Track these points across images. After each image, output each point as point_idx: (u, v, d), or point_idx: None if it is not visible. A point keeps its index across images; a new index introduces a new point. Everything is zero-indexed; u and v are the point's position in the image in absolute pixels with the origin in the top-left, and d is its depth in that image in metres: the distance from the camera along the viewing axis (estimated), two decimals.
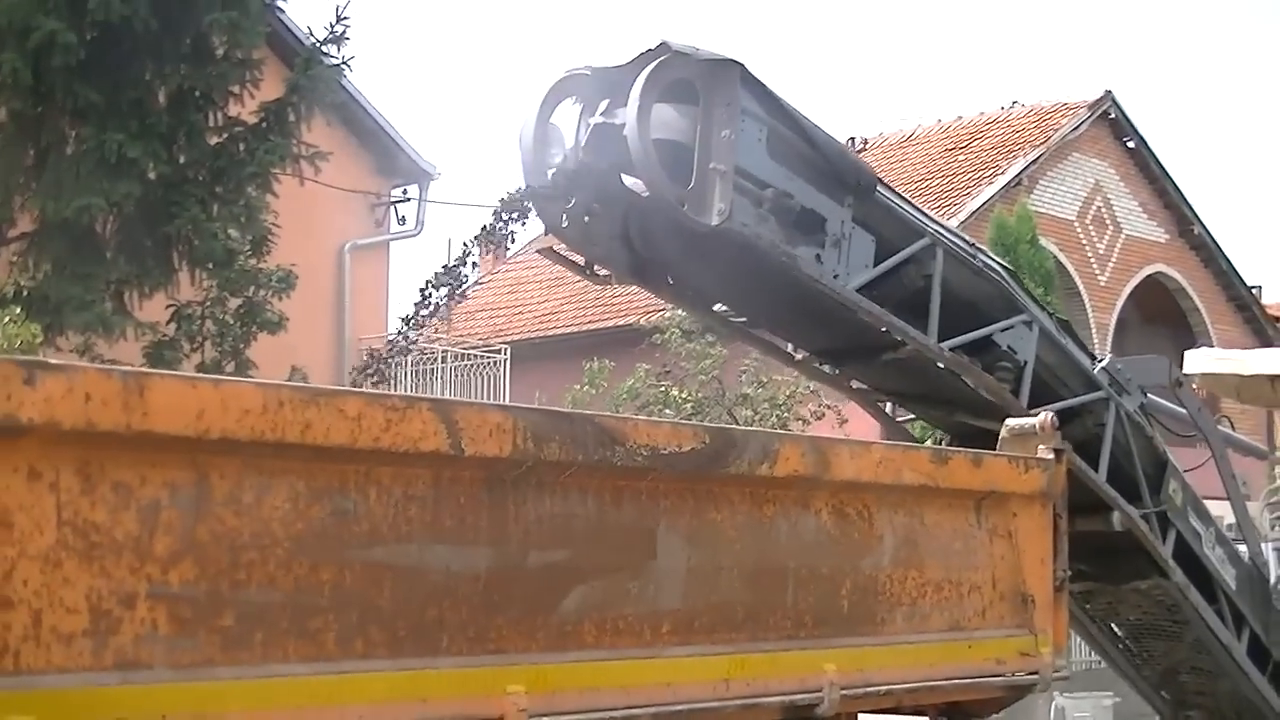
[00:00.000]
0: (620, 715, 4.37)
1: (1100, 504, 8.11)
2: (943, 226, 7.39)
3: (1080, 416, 7.94)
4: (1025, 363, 7.51)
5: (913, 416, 8.39)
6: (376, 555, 3.86)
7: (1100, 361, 8.23)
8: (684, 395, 22.81)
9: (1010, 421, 6.31)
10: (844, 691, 5.03)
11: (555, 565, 4.27)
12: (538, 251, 7.48)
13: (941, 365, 7.25)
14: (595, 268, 7.19)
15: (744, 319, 7.62)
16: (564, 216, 6.52)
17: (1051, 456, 6.11)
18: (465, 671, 4.02)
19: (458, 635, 4.01)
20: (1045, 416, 6.28)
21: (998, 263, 7.69)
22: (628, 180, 6.64)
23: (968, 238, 7.72)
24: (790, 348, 7.91)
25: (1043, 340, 7.67)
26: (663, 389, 23.07)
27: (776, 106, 6.48)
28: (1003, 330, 7.45)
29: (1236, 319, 35.96)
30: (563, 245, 7.03)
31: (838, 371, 8.06)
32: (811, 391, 22.80)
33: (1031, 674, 5.90)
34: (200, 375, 4.21)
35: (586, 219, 6.58)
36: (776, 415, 22.28)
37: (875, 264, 6.83)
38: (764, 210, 6.32)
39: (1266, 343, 35.18)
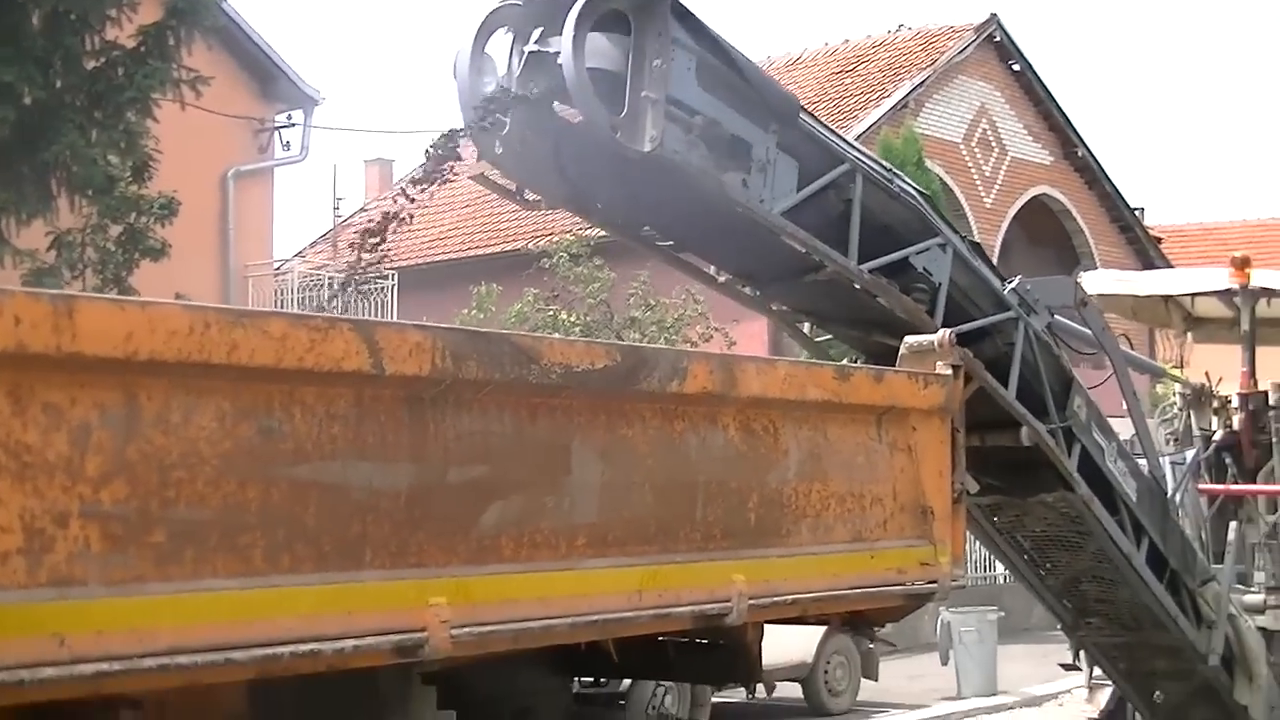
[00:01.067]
0: (538, 626, 4.54)
1: (1009, 420, 8.42)
2: (862, 152, 7.60)
3: (991, 336, 8.23)
4: (940, 284, 7.77)
5: (830, 336, 8.63)
6: (301, 473, 3.98)
7: (1010, 283, 8.50)
8: (572, 319, 22.99)
9: (909, 339, 6.54)
10: (752, 601, 5.21)
11: (474, 481, 4.41)
12: (469, 178, 7.57)
13: (860, 287, 7.48)
14: (526, 193, 7.33)
15: (670, 243, 7.80)
16: (497, 144, 6.65)
17: (949, 373, 6.34)
18: (389, 585, 4.15)
19: (381, 550, 4.14)
20: (944, 334, 6.51)
21: (913, 187, 7.91)
22: (560, 108, 6.79)
23: (886, 164, 7.93)
24: (714, 270, 8.12)
25: (956, 262, 7.93)
26: (551, 313, 23.24)
27: (705, 36, 6.64)
28: (918, 253, 7.70)
29: (1119, 240, 36.69)
30: (495, 172, 7.16)
31: (759, 293, 8.27)
32: (700, 314, 23.08)
33: (931, 583, 6.12)
34: (128, 298, 4.28)
35: (520, 146, 6.71)
36: (665, 338, 22.54)
37: (799, 189, 7.02)
38: (693, 137, 6.49)
39: (1149, 263, 35.93)
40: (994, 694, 17.75)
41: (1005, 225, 32.57)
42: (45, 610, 3.50)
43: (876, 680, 16.74)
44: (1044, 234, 33.98)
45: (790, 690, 16.62)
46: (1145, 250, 37.15)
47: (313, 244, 33.30)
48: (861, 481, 5.82)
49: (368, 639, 4.07)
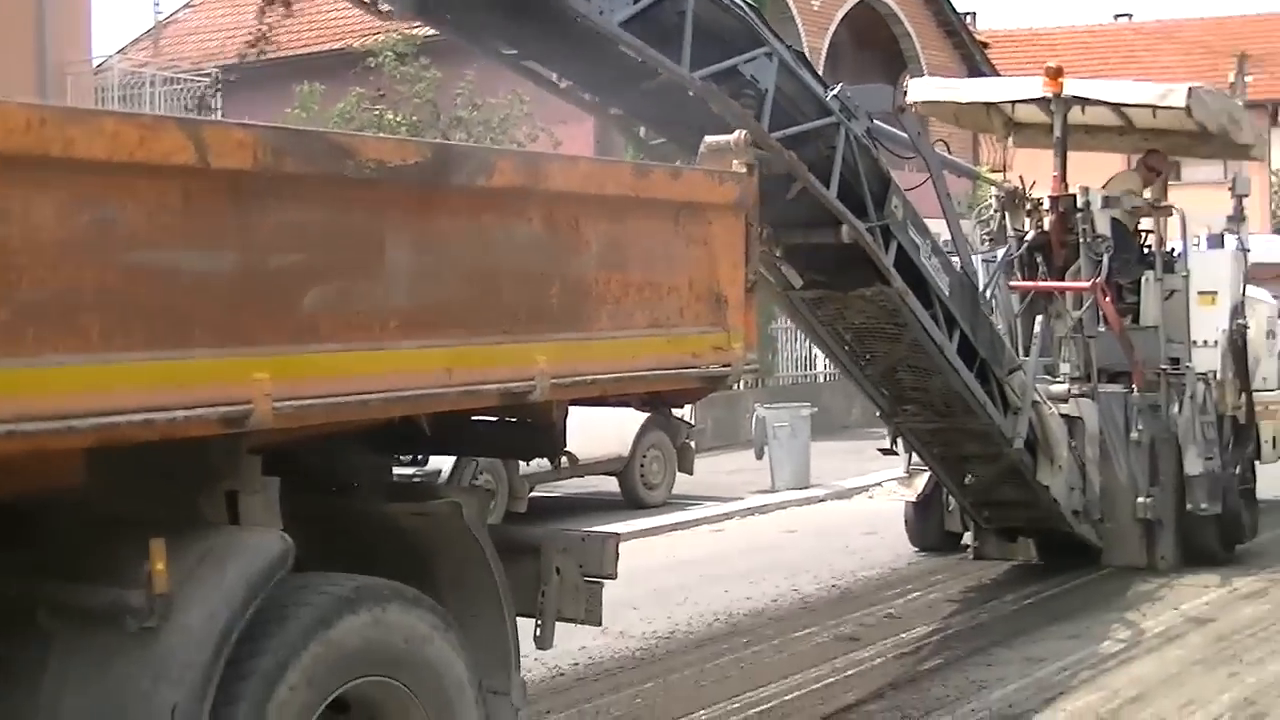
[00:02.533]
0: (354, 400, 5.00)
1: (831, 219, 9.11)
2: None
3: (814, 140, 8.85)
4: (766, 91, 8.36)
5: (664, 140, 9.16)
6: (135, 259, 4.37)
7: (831, 90, 9.08)
8: (398, 119, 23.14)
9: (708, 139, 7.03)
10: (554, 380, 5.69)
11: (295, 268, 4.83)
12: None
13: (692, 93, 7.99)
14: (379, 3, 7.71)
15: (515, 52, 8.24)
16: None
17: (745, 170, 6.80)
18: (216, 361, 4.56)
19: (209, 329, 4.55)
20: (739, 134, 7.01)
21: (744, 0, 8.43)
22: None
23: None
24: (556, 78, 8.59)
25: (781, 71, 8.49)
26: (376, 113, 23.35)
27: None
28: (746, 61, 8.26)
29: (946, 45, 37.34)
30: None
31: (598, 99, 8.77)
32: (526, 115, 23.36)
33: (725, 366, 6.63)
34: None
35: None
36: (491, 138, 22.80)
37: (635, 1, 7.47)
38: None
39: (975, 68, 36.71)
40: (806, 487, 18.36)
41: (832, 29, 33.03)
42: None
43: (692, 474, 17.12)
44: (871, 38, 34.51)
45: (607, 484, 17.23)
46: (971, 55, 37.89)
47: (134, 41, 32.84)
48: (660, 272, 6.28)
49: (198, 410, 4.49)
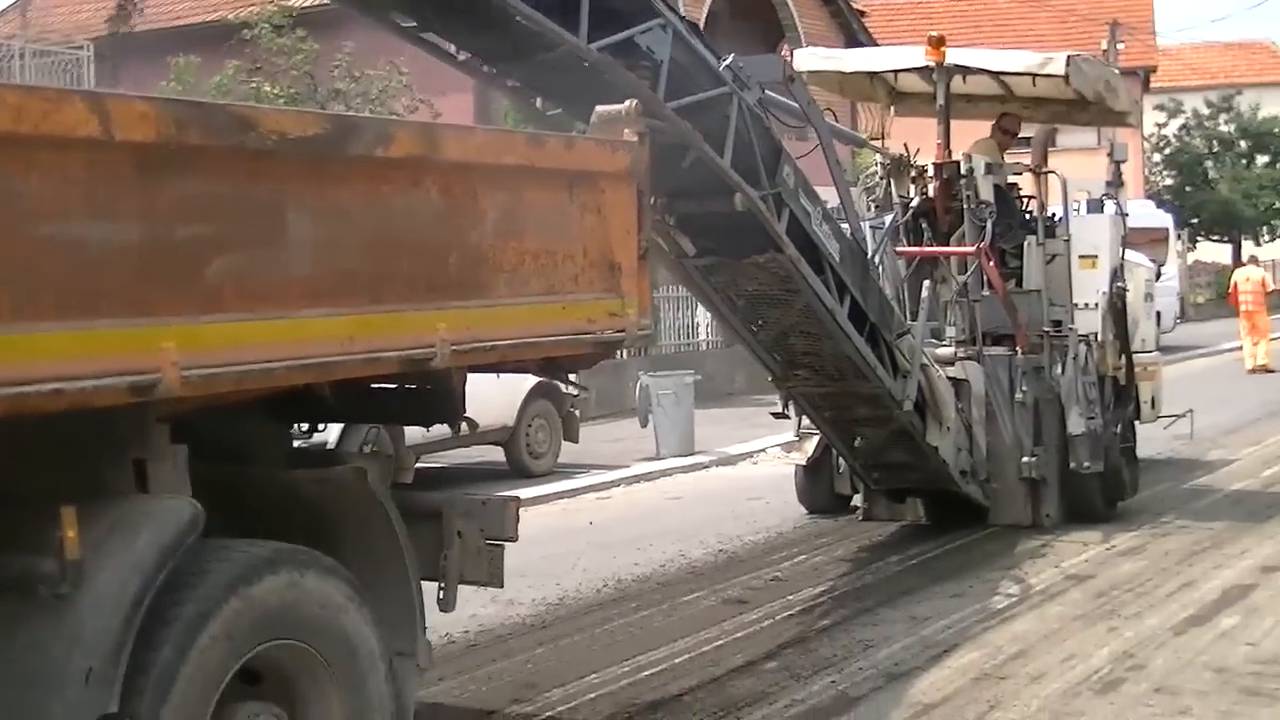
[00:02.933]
0: (259, 368, 5.11)
1: (725, 187, 9.30)
2: None
3: (708, 109, 9.00)
4: (662, 62, 8.52)
5: (560, 111, 9.29)
6: (42, 232, 4.45)
7: (724, 60, 9.27)
8: (276, 91, 23.04)
9: (600, 108, 7.19)
10: (454, 347, 5.83)
11: (199, 239, 4.92)
12: None
13: (589, 64, 8.14)
14: None
15: (414, 24, 8.33)
16: None
17: (636, 139, 6.98)
18: (125, 331, 4.65)
19: (116, 300, 4.64)
20: (630, 103, 7.17)
21: None
22: None
23: None
24: (454, 50, 8.71)
25: (676, 42, 8.66)
26: (254, 85, 23.24)
27: None
28: (642, 33, 8.41)
29: (824, 13, 37.71)
30: None
31: (496, 71, 8.89)
32: (405, 86, 23.36)
33: (619, 332, 6.80)
34: None
35: None
36: (370, 110, 22.77)
37: None
38: None
39: (853, 36, 37.11)
40: (691, 454, 18.49)
41: None
42: None
43: (577, 442, 17.26)
44: (749, 7, 34.70)
45: (494, 454, 17.31)
46: (849, 24, 38.27)
47: (1, 12, 32.39)
48: (555, 240, 6.44)
49: (106, 379, 4.58)
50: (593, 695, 8.47)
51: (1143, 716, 7.92)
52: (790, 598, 10.84)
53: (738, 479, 17.48)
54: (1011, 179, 14.11)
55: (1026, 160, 14.36)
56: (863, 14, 40.97)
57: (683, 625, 10.07)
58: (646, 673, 8.90)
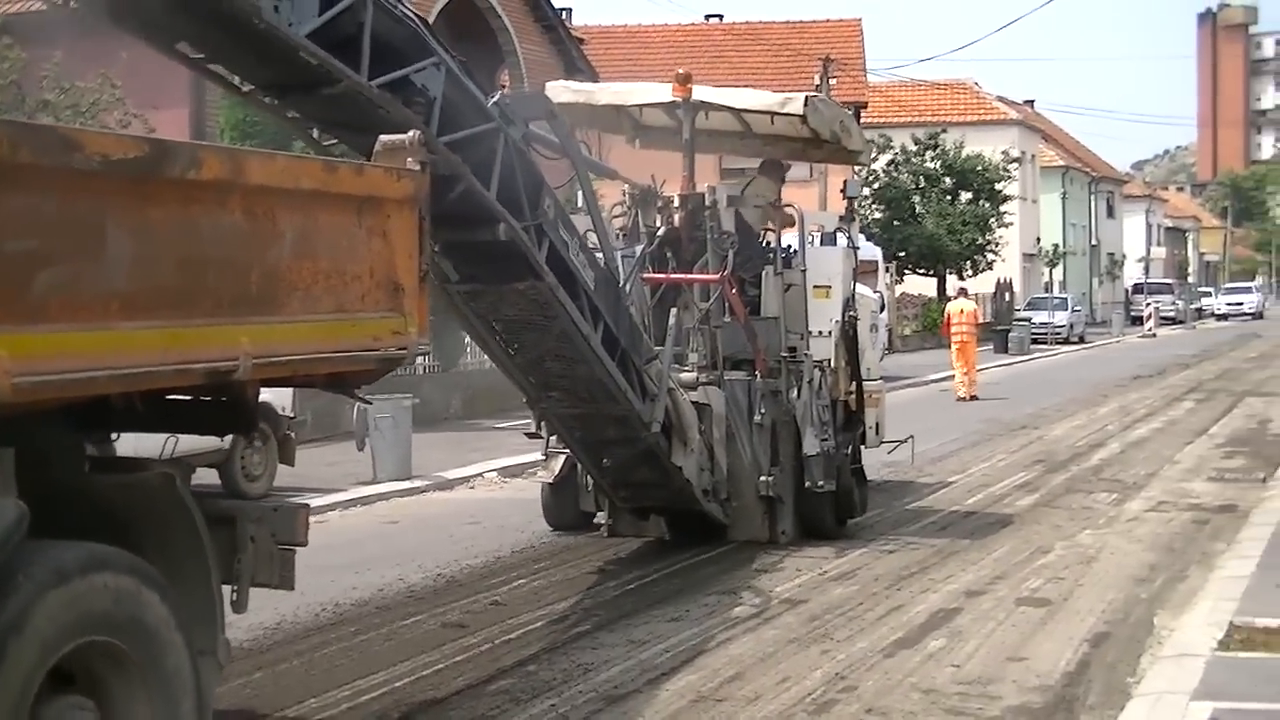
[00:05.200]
0: (83, 376, 5.56)
1: (490, 217, 9.97)
2: None
3: (476, 144, 9.63)
4: (435, 99, 9.14)
5: (336, 141, 9.81)
6: None
7: (492, 97, 9.94)
8: None
9: (383, 137, 7.75)
10: (255, 360, 6.34)
11: (27, 253, 5.35)
12: None
13: (368, 99, 8.71)
14: (70, 2, 8.16)
15: (201, 55, 8.76)
16: None
17: (418, 168, 7.57)
18: None
19: None
20: (413, 134, 7.76)
21: (414, 13, 9.19)
22: None
23: None
24: (239, 82, 9.19)
25: (449, 80, 9.32)
26: None
27: None
28: (417, 71, 9.01)
29: (544, 39, 38.47)
30: None
31: (278, 103, 9.37)
32: (118, 100, 23.25)
33: (401, 349, 7.38)
34: None
35: None
36: (80, 122, 22.59)
37: (320, 14, 8.12)
38: None
39: (571, 63, 37.98)
40: (408, 478, 18.83)
41: (432, 19, 33.70)
42: None
43: (293, 465, 17.24)
44: (469, 31, 35.26)
45: (208, 476, 17.07)
46: (568, 51, 39.11)
47: None
48: (345, 261, 6.98)
49: None
50: None
51: None
52: (510, 621, 11.14)
53: (455, 503, 17.89)
54: (759, 210, 14.98)
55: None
56: (581, 41, 41.90)
57: (402, 649, 10.32)
58: (366, 697, 9.15)
